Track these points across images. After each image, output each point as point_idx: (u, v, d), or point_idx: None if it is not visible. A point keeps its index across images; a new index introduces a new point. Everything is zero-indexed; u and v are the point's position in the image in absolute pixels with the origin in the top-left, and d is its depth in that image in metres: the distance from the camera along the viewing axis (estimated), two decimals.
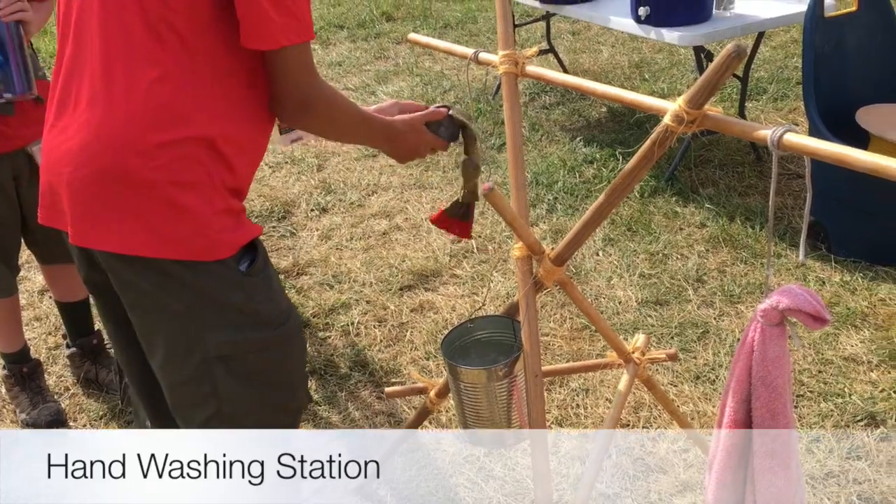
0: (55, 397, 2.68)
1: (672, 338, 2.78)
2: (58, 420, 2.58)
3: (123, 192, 1.42)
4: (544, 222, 3.54)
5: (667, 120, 1.33)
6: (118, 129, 1.40)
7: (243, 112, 1.52)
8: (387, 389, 2.17)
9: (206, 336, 1.52)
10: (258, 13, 1.40)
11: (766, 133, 1.22)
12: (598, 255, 3.27)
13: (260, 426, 1.63)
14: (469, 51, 1.87)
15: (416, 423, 2.14)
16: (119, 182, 1.41)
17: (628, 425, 2.45)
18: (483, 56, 1.84)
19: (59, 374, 2.83)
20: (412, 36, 2.03)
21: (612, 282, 3.10)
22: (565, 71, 4.94)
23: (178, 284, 1.48)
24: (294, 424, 1.72)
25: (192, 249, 1.47)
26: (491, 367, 1.67)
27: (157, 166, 1.42)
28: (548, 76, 1.69)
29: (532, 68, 1.74)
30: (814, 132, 3.07)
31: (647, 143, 1.37)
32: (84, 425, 2.59)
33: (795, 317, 1.24)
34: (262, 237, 1.60)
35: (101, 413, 2.64)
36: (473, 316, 1.87)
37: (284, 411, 1.68)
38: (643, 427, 2.44)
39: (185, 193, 1.44)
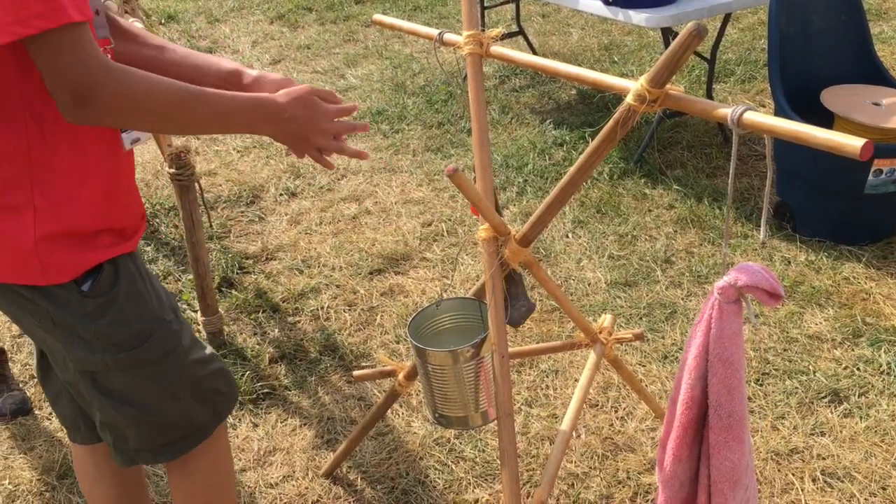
0: (20, 385, 2.65)
1: (640, 318, 2.80)
2: (23, 409, 2.55)
3: None
4: (514, 205, 3.55)
5: (629, 99, 1.34)
6: None
7: (45, 127, 1.38)
8: (355, 373, 2.17)
9: (65, 352, 1.52)
10: None
11: (727, 112, 1.23)
12: (567, 237, 3.29)
13: (143, 442, 1.62)
14: (434, 32, 1.86)
15: (385, 406, 2.14)
16: None
17: (597, 405, 2.47)
18: (448, 37, 1.83)
19: (23, 363, 2.79)
20: (377, 17, 2.02)
21: (581, 263, 3.12)
22: (535, 53, 4.94)
23: (29, 304, 1.47)
24: (188, 443, 1.66)
25: (23, 274, 1.43)
26: (457, 348, 1.67)
27: None
28: (512, 57, 1.68)
29: (498, 49, 1.73)
30: (779, 113, 3.09)
31: (610, 122, 1.37)
32: (49, 414, 2.56)
33: (752, 293, 1.25)
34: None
35: None
36: (440, 298, 1.86)
37: (170, 430, 1.63)
38: (612, 407, 2.46)
39: (4, 218, 1.39)
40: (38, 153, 1.39)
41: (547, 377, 2.59)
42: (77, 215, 1.44)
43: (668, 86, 1.32)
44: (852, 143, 1.11)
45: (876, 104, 2.99)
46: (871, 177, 2.88)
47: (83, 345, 1.50)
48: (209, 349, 1.70)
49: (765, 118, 1.20)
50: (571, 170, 1.48)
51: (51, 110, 1.36)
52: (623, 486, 2.19)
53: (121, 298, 1.50)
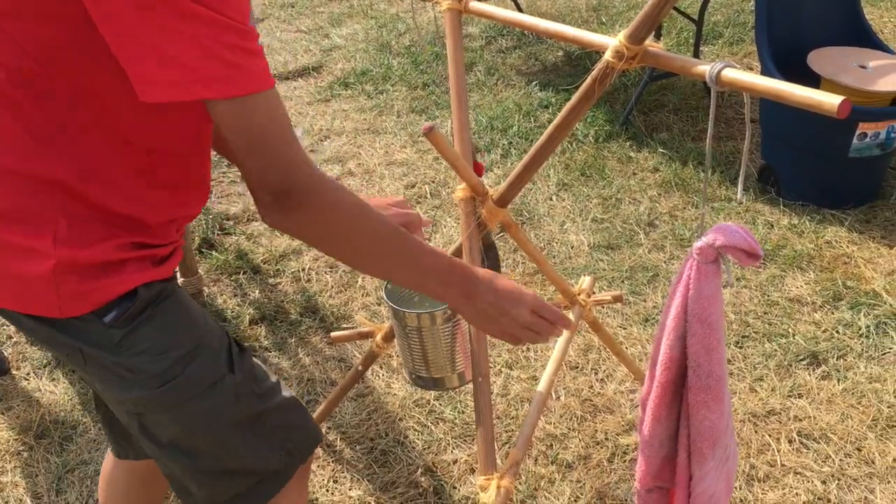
0: None
1: (623, 281, 2.80)
2: (1, 368, 2.54)
3: None
4: (499, 167, 3.52)
5: (607, 55, 1.32)
6: None
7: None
8: (333, 334, 2.16)
9: (103, 390, 1.34)
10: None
11: (705, 69, 1.21)
12: (551, 199, 3.27)
13: (209, 496, 1.39)
14: None
15: (363, 368, 2.14)
16: None
17: (577, 367, 2.48)
18: None
19: (1, 323, 2.77)
20: None
21: (564, 226, 3.11)
22: (521, 12, 4.88)
23: (61, 337, 1.28)
24: (262, 494, 1.40)
25: (35, 304, 1.24)
26: (433, 310, 1.66)
27: None
28: (490, 13, 1.66)
29: (476, 5, 1.70)
30: (766, 74, 3.07)
31: (589, 79, 1.35)
32: (28, 374, 2.56)
33: (730, 254, 1.25)
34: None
35: (44, 362, 2.60)
36: None
37: (236, 478, 1.38)
38: (592, 369, 2.47)
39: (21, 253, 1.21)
40: (80, 184, 1.20)
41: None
42: (104, 238, 1.24)
43: (646, 42, 1.30)
44: (830, 101, 1.09)
45: (863, 67, 2.98)
46: (855, 140, 2.87)
47: (118, 382, 1.30)
48: (274, 378, 1.43)
49: (743, 75, 1.18)
50: (549, 128, 1.46)
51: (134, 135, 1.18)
52: (601, 447, 2.21)
53: (151, 325, 1.30)
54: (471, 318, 1.33)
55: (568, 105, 1.42)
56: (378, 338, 2.07)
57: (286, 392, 1.42)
